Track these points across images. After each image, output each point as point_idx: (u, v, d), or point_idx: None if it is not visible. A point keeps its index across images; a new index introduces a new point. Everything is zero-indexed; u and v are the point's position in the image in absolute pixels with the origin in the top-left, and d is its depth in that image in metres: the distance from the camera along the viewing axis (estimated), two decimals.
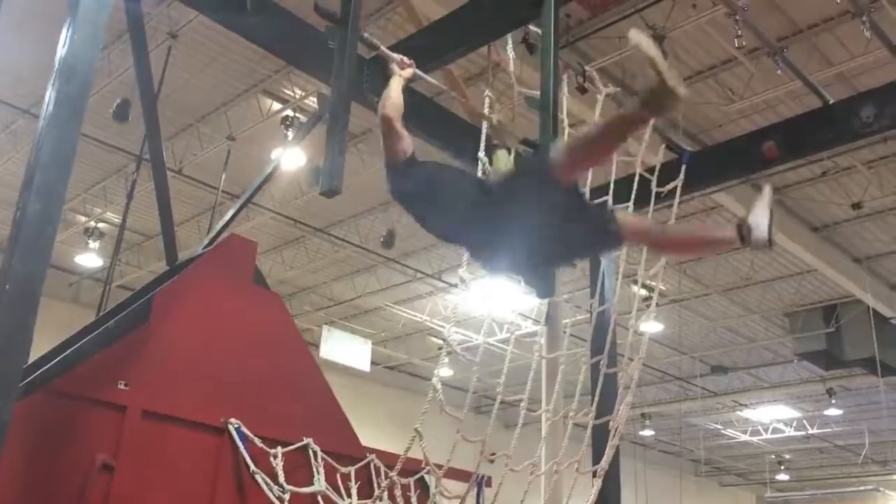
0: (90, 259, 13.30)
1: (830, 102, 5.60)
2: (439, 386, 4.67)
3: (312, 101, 9.51)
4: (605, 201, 5.35)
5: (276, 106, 9.79)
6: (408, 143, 3.40)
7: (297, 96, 9.59)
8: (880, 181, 10.30)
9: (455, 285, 13.84)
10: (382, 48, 3.79)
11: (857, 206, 10.54)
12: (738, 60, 8.35)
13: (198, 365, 4.88)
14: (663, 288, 12.93)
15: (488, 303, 12.99)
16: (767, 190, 3.05)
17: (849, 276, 12.03)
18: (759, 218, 3.04)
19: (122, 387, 4.39)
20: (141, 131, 7.16)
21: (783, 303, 13.96)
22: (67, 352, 4.38)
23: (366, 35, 3.72)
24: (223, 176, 9.83)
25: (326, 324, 15.81)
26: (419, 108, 5.89)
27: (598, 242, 3.32)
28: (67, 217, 12.58)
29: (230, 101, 9.86)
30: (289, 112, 9.67)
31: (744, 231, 3.03)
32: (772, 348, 16.09)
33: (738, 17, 5.32)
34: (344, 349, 15.76)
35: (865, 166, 10.02)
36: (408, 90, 5.39)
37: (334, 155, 3.10)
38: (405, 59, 3.78)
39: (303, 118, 9.71)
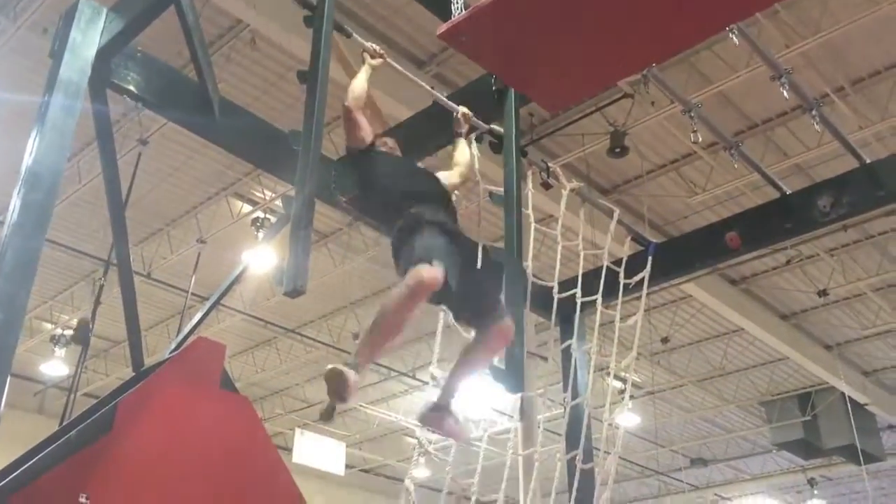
0: (56, 367, 13.00)
1: (788, 193, 5.75)
2: (412, 488, 4.55)
3: (280, 203, 9.59)
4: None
5: (247, 208, 9.85)
6: (367, 131, 3.72)
7: (268, 198, 9.67)
8: (843, 268, 10.49)
9: (427, 383, 13.68)
10: (354, 35, 4.02)
11: (822, 293, 10.70)
12: (698, 154, 8.60)
13: (162, 474, 4.71)
14: (637, 379, 12.87)
15: (462, 400, 12.83)
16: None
17: (821, 364, 12.09)
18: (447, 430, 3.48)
19: (83, 500, 4.21)
20: (110, 236, 7.17)
21: (758, 392, 13.95)
22: (27, 465, 4.21)
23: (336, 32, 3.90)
24: (193, 279, 9.77)
25: (299, 427, 15.45)
26: None
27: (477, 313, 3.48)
28: (33, 324, 12.37)
29: (200, 205, 9.92)
30: (259, 214, 9.73)
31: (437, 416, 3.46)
32: (750, 438, 15.97)
33: (692, 115, 5.49)
34: (317, 453, 15.35)
35: (828, 254, 10.23)
36: None
37: (298, 255, 3.09)
38: (377, 48, 3.99)
39: (273, 219, 9.76)
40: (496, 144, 4.67)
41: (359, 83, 3.78)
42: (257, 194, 9.75)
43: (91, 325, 7.71)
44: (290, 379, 14.40)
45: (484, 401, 11.46)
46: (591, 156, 8.63)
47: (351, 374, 3.02)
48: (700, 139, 5.98)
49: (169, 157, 9.06)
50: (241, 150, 5.08)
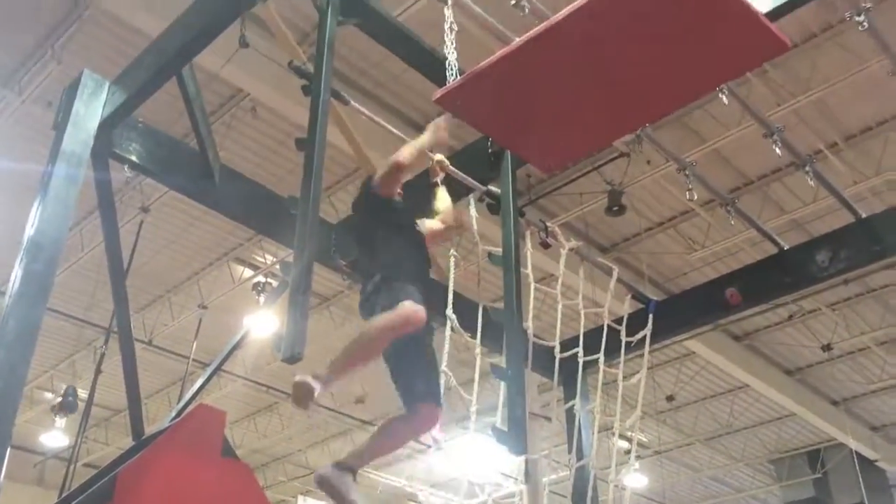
0: (56, 438, 12.87)
1: (786, 248, 5.78)
2: None
3: None
4: None
5: (248, 272, 9.89)
6: (396, 190, 3.89)
7: (269, 262, 9.72)
8: (846, 322, 10.46)
9: (430, 446, 13.51)
10: (352, 102, 4.16)
11: (826, 347, 10.65)
12: (695, 212, 8.65)
13: None
14: (644, 439, 12.71)
15: (466, 464, 12.67)
16: None
17: (828, 420, 11.96)
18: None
19: None
20: (111, 304, 7.19)
21: (766, 449, 13.76)
22: None
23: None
24: (194, 344, 9.76)
25: (302, 494, 15.22)
26: None
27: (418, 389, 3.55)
28: (34, 394, 12.29)
29: (202, 270, 9.96)
30: (260, 278, 9.76)
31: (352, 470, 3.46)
32: (760, 497, 15.67)
33: (687, 173, 5.56)
34: None
35: (830, 308, 10.21)
36: None
37: (296, 321, 3.09)
38: (444, 162, 4.18)
39: (274, 283, 9.79)
40: (494, 205, 4.72)
41: (419, 153, 3.90)
42: (258, 259, 9.79)
43: (91, 394, 7.69)
44: (292, 445, 14.23)
45: (489, 464, 11.34)
46: (589, 214, 8.69)
47: (316, 386, 3.19)
48: (696, 197, 6.03)
49: (170, 224, 9.14)
50: (242, 216, 5.14)
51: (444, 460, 13.96)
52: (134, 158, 4.43)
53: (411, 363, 3.53)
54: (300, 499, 15.22)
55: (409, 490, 15.24)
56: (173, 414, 6.03)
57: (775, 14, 3.74)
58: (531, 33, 3.38)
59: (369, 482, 15.36)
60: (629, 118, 3.85)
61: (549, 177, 8.31)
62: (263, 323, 9.25)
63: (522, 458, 5.88)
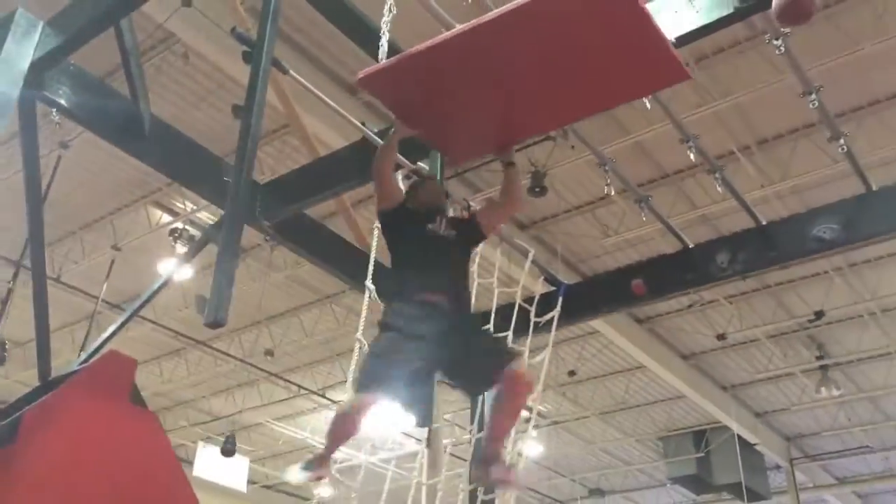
0: None
1: (691, 246, 6.12)
2: None
3: (204, 216, 9.56)
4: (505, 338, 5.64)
5: (166, 218, 9.76)
6: (397, 192, 3.81)
7: (188, 209, 9.61)
8: (741, 315, 11.07)
9: (339, 402, 13.72)
10: (291, 72, 4.07)
11: (721, 337, 11.24)
12: (613, 199, 8.97)
13: (65, 489, 4.68)
14: (543, 409, 13.22)
15: (370, 421, 12.91)
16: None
17: (716, 403, 12.66)
18: (496, 476, 3.28)
19: None
20: (21, 237, 7.04)
21: (656, 427, 14.48)
22: None
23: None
24: (105, 286, 9.61)
25: (202, 440, 15.22)
26: (309, 232, 6.07)
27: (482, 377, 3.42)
28: None
29: (117, 211, 9.78)
30: (178, 224, 9.65)
31: (490, 463, 3.29)
32: (647, 471, 16.51)
33: (607, 169, 5.81)
34: (219, 467, 15.13)
35: (728, 300, 10.78)
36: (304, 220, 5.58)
37: (222, 286, 3.18)
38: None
39: (193, 231, 9.70)
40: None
41: (382, 149, 3.83)
42: (178, 205, 9.68)
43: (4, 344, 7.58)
44: (197, 391, 14.19)
45: (392, 424, 11.60)
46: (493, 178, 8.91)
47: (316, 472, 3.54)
48: (613, 192, 6.30)
49: (89, 162, 8.92)
50: (170, 170, 5.12)
51: None
52: (63, 103, 4.36)
53: (461, 362, 3.43)
54: (200, 444, 15.22)
55: (312, 443, 15.42)
56: (83, 358, 6.00)
57: (686, 39, 3.96)
58: (454, 31, 3.53)
59: (271, 433, 15.48)
60: (536, 122, 4.07)
61: None
62: (178, 271, 9.19)
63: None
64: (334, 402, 13.74)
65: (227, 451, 13.62)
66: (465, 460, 6.38)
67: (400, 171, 5.02)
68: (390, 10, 4.08)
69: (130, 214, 9.74)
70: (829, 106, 6.42)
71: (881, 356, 11.77)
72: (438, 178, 4.77)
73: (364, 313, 4.97)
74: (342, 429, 3.44)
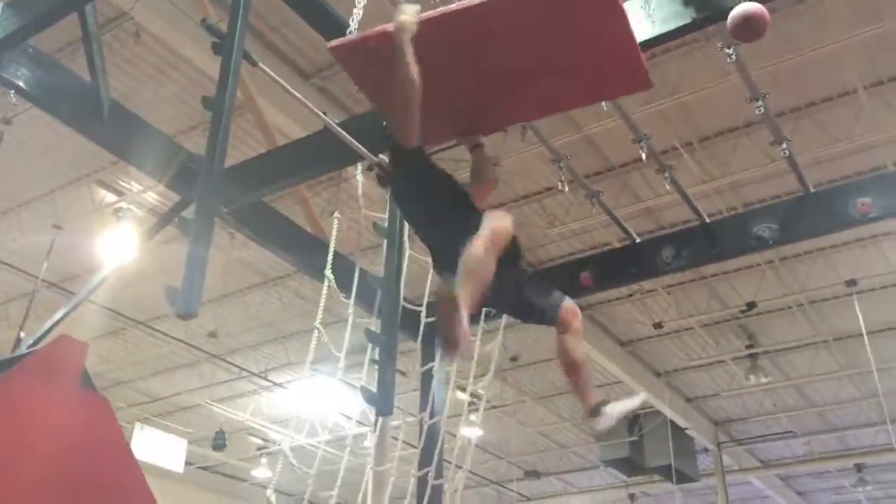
0: None
1: (637, 241, 6.35)
2: (273, 499, 4.72)
3: (150, 196, 9.43)
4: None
5: (111, 197, 9.58)
6: (418, 131, 3.40)
7: (134, 189, 9.46)
8: (678, 304, 11.44)
9: (281, 385, 13.71)
10: (260, 64, 3.91)
11: (658, 325, 11.60)
12: (561, 190, 9.18)
13: (13, 475, 4.64)
14: (481, 390, 13.45)
15: (311, 403, 13.02)
16: (639, 399, 3.52)
17: (650, 389, 13.05)
18: (616, 412, 3.38)
19: None
20: None
21: None
22: None
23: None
24: (45, 265, 9.41)
25: (140, 421, 15.04)
26: (266, 220, 6.09)
27: (536, 310, 3.52)
28: None
29: (60, 189, 9.56)
30: (123, 204, 9.50)
31: (596, 411, 3.38)
32: (581, 454, 16.94)
33: (561, 166, 5.98)
34: (157, 448, 14.99)
35: (665, 290, 11.13)
36: (263, 207, 5.60)
37: (194, 278, 3.22)
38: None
39: (137, 211, 9.57)
40: (383, 178, 4.91)
41: (412, 68, 3.25)
42: (123, 184, 9.51)
43: None
44: (135, 371, 13.98)
45: (330, 404, 11.66)
46: (462, 179, 9.01)
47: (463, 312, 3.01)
48: (567, 189, 6.48)
49: (33, 139, 8.70)
50: (129, 156, 5.07)
51: (287, 398, 14.20)
52: (21, 84, 4.30)
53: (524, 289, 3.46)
54: (137, 426, 15.04)
55: (251, 424, 15.39)
56: (31, 341, 5.91)
57: (645, 46, 4.10)
58: (430, 13, 3.55)
59: (210, 414, 15.36)
60: (496, 117, 4.10)
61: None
62: (130, 253, 9.07)
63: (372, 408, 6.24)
64: (276, 384, 13.74)
65: (218, 446, 13.66)
66: (414, 447, 6.51)
67: (361, 164, 5.09)
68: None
69: (73, 193, 9.54)
70: (770, 106, 6.70)
71: (807, 346, 12.32)
72: None
73: (322, 302, 5.04)
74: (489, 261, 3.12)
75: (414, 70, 3.27)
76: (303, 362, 12.76)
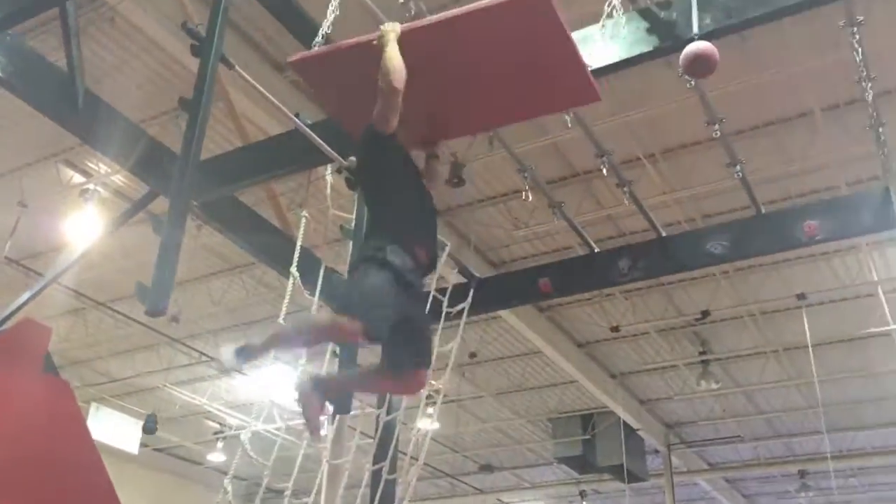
0: None
1: (596, 251, 6.57)
2: (230, 489, 4.84)
3: (117, 179, 9.44)
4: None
5: (78, 178, 9.57)
6: (396, 120, 3.47)
7: (102, 171, 9.46)
8: (635, 309, 11.72)
9: (241, 371, 13.77)
10: (237, 68, 4.05)
11: (615, 328, 11.87)
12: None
13: None
14: (441, 387, 13.63)
15: (268, 391, 13.09)
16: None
17: (604, 390, 13.36)
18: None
19: None
20: None
21: (547, 409, 15.14)
22: None
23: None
24: (8, 243, 9.39)
25: (96, 401, 15.00)
26: (234, 213, 6.19)
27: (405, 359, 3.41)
28: None
29: (26, 167, 9.52)
30: (90, 186, 9.49)
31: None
32: (535, 450, 17.23)
33: (525, 175, 6.17)
34: (112, 429, 14.98)
35: (623, 295, 11.40)
36: (232, 201, 5.70)
37: (165, 275, 3.34)
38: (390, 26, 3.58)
39: (104, 192, 9.57)
40: (351, 180, 5.06)
41: (398, 59, 3.41)
42: (91, 165, 9.50)
43: None
44: (94, 352, 13.94)
45: (288, 393, 11.69)
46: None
47: (239, 359, 3.45)
48: (531, 198, 6.67)
49: (1, 117, 8.67)
50: (102, 146, 5.14)
51: (246, 384, 14.27)
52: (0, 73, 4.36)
53: (400, 338, 3.26)
54: (93, 406, 15.01)
55: (208, 409, 15.42)
56: None
57: (609, 69, 4.30)
58: (370, 35, 3.74)
59: (168, 397, 15.36)
60: (455, 126, 4.25)
61: None
62: (88, 232, 9.08)
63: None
64: (236, 370, 13.80)
65: (149, 429, 13.75)
66: (370, 437, 6.66)
67: (330, 165, 5.22)
68: (333, 11, 4.26)
69: (40, 171, 9.50)
70: (728, 123, 6.94)
71: (757, 355, 12.70)
72: None
73: (287, 298, 5.17)
74: (299, 336, 3.31)
75: (400, 59, 3.42)
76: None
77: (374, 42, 3.54)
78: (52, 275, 5.67)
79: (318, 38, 4.28)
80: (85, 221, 9.15)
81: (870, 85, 5.61)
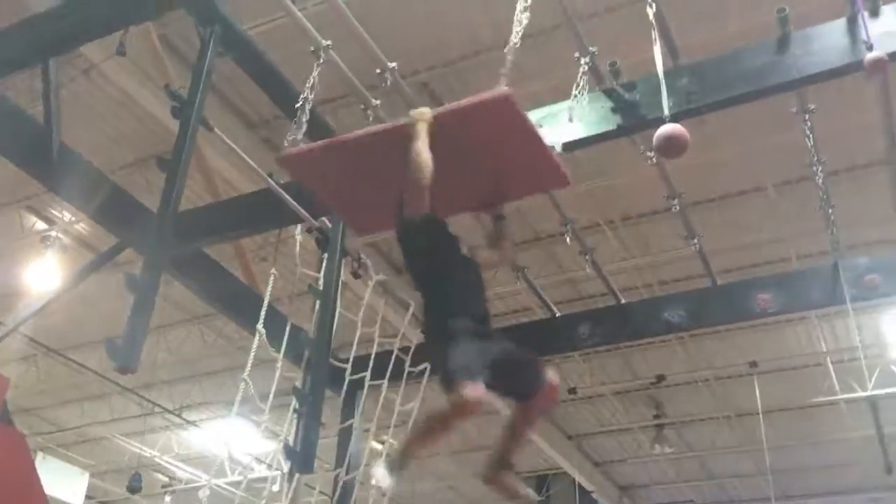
0: None
1: (557, 315, 6.72)
2: None
3: (80, 227, 9.40)
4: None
5: (41, 225, 9.50)
6: (426, 202, 3.64)
7: (65, 219, 9.41)
8: (592, 371, 11.87)
9: (194, 423, 13.56)
10: (216, 130, 4.16)
11: (572, 390, 11.98)
12: None
13: None
14: (396, 443, 13.54)
15: (223, 444, 12.88)
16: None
17: (560, 451, 13.39)
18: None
19: None
20: None
21: None
22: None
23: None
24: None
25: (42, 450, 14.58)
26: (200, 267, 6.22)
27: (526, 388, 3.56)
28: None
29: None
30: (52, 233, 9.43)
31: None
32: None
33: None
34: (57, 480, 14.53)
35: (581, 358, 11.54)
36: (199, 255, 5.74)
37: (136, 332, 3.38)
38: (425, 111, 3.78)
39: (66, 239, 9.51)
40: (321, 240, 5.15)
41: (427, 153, 3.62)
42: (54, 213, 9.45)
43: None
44: (44, 399, 13.62)
45: (243, 446, 11.59)
46: (393, 239, 9.27)
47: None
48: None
49: None
50: (77, 201, 5.17)
51: (200, 437, 14.03)
52: None
53: (510, 373, 3.49)
54: (39, 455, 14.56)
55: (159, 462, 15.07)
56: None
57: (573, 146, 4.52)
58: (366, 130, 4.05)
59: (116, 448, 15.01)
60: (445, 206, 4.52)
61: None
62: (47, 279, 9.01)
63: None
64: (189, 422, 13.57)
65: (134, 489, 13.68)
66: (326, 495, 6.63)
67: (301, 225, 5.32)
68: (313, 89, 4.41)
69: (3, 217, 9.43)
70: (686, 195, 7.20)
71: (710, 419, 12.89)
72: (339, 239, 5.08)
73: (252, 354, 5.20)
74: (431, 428, 3.35)
75: (428, 151, 3.61)
76: (219, 402, 12.72)
77: (407, 129, 3.71)
78: (15, 323, 5.63)
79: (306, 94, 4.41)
80: (45, 268, 9.08)
81: (820, 168, 5.89)
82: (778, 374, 11.46)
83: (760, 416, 10.97)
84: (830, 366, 10.60)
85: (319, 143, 3.99)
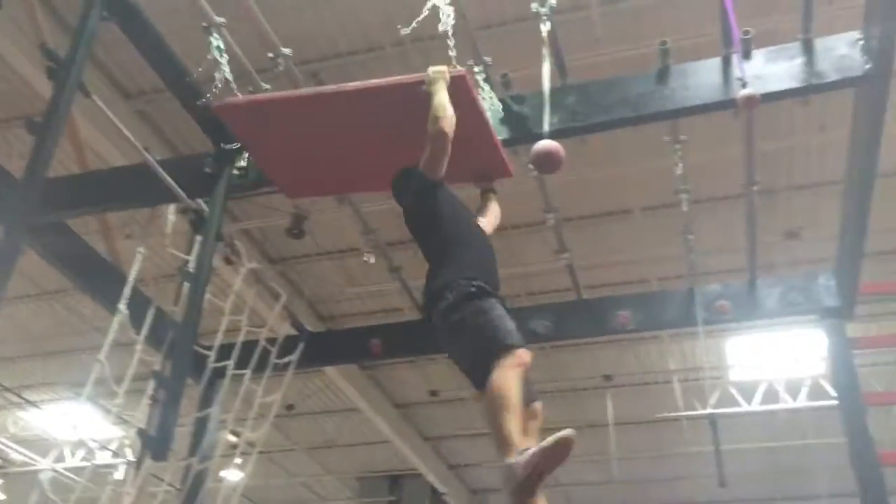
0: None
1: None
2: None
3: None
4: None
5: None
6: (444, 166, 3.65)
7: None
8: (455, 374, 12.01)
9: (35, 403, 12.79)
10: (94, 96, 4.01)
11: (434, 392, 12.12)
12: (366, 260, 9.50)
13: None
14: (252, 436, 13.25)
15: (65, 427, 12.27)
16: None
17: (416, 452, 13.51)
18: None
19: None
20: None
21: (357, 467, 15.07)
22: None
23: None
24: None
25: None
26: (61, 239, 5.90)
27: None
28: None
29: None
30: None
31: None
32: None
33: (370, 237, 6.35)
34: None
35: (445, 360, 11.65)
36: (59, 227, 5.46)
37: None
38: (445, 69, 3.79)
39: None
40: (196, 222, 5.00)
41: (449, 106, 3.60)
42: None
43: None
44: None
45: (88, 431, 11.07)
46: (269, 228, 9.12)
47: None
48: (374, 260, 6.84)
49: None
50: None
51: (42, 417, 13.25)
52: None
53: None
54: None
55: None
56: None
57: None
58: (315, 90, 4.15)
59: None
60: (366, 183, 4.82)
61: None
62: None
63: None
64: (28, 401, 12.78)
65: None
66: (175, 487, 6.41)
67: (174, 205, 5.14)
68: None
69: None
70: (559, 211, 7.43)
71: (563, 429, 13.30)
72: (217, 225, 4.94)
73: (111, 336, 4.98)
74: (508, 406, 3.20)
75: (450, 105, 3.61)
76: (63, 383, 12.06)
77: (424, 87, 3.71)
78: None
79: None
80: None
81: (686, 196, 6.23)
82: (630, 389, 11.99)
83: (611, 427, 11.45)
84: (677, 384, 11.19)
85: (272, 94, 4.08)
